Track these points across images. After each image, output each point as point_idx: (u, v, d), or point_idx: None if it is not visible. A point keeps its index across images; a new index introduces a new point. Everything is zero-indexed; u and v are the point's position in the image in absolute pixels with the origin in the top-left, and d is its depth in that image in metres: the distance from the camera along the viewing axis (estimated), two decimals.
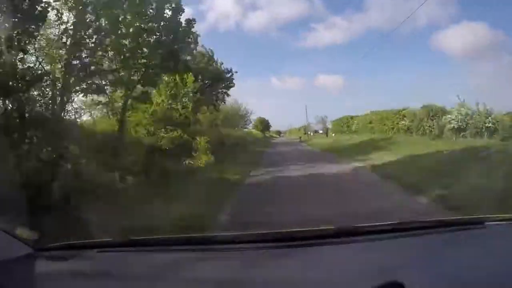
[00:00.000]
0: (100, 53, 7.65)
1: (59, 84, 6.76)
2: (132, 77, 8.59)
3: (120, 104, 8.91)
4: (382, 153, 12.19)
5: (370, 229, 1.32)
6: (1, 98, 5.06)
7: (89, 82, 7.76)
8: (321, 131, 41.99)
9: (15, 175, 4.06)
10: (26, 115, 5.26)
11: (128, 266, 1.24)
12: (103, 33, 7.42)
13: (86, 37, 7.20)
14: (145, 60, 8.30)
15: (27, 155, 4.78)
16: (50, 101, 6.46)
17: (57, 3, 6.62)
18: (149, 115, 10.05)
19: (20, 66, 5.51)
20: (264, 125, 50.43)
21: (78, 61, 7.34)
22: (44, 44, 7.13)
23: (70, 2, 6.88)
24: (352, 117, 30.22)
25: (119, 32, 7.69)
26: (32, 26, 5.66)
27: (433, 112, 17.51)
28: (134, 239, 1.43)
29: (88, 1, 7.11)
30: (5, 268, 1.14)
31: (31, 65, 6.33)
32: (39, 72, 6.34)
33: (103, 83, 8.63)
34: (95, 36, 7.33)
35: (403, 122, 19.84)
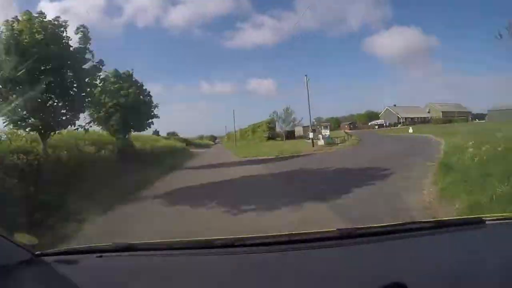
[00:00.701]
0: None
1: None
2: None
3: None
4: None
5: (371, 231, 1.32)
6: None
7: None
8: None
9: None
10: None
11: (127, 271, 1.23)
12: None
13: None
14: None
15: None
16: None
17: None
18: None
19: None
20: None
21: None
22: None
23: None
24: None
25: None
26: None
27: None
28: (134, 244, 1.42)
29: None
30: (5, 274, 1.14)
31: None
32: None
33: None
34: None
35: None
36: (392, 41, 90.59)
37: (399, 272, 1.00)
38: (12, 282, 1.11)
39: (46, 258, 1.33)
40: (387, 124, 73.99)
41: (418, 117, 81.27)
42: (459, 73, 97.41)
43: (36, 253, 1.33)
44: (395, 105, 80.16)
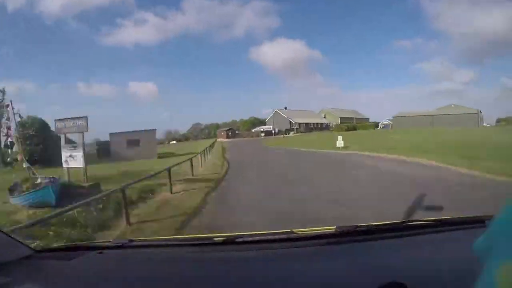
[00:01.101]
0: None
1: None
2: None
3: None
4: None
5: (370, 229, 1.32)
6: None
7: None
8: None
9: None
10: None
11: (128, 267, 1.24)
12: None
13: None
14: None
15: None
16: None
17: None
18: None
19: None
20: None
21: None
22: None
23: None
24: None
25: None
26: None
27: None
28: (134, 241, 1.44)
29: None
30: (6, 270, 1.15)
31: None
32: None
33: None
34: None
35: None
36: (278, 52, 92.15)
37: (398, 271, 1.00)
38: (12, 279, 1.12)
39: (46, 255, 1.36)
40: (276, 131, 58.60)
41: (314, 123, 71.58)
42: (340, 86, 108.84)
43: (37, 249, 1.36)
44: (285, 108, 67.01)
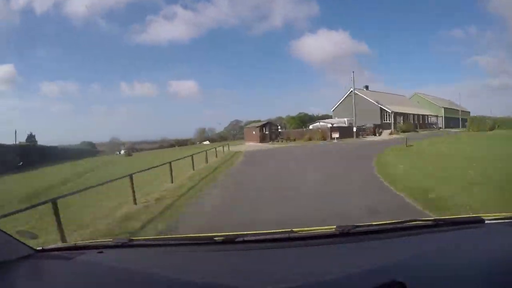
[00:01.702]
0: None
1: None
2: None
3: None
4: None
5: (370, 229, 1.31)
6: None
7: None
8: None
9: None
10: None
11: (128, 266, 1.23)
12: None
13: None
14: None
15: None
16: None
17: None
18: None
19: None
20: None
21: None
22: None
23: None
24: None
25: None
26: None
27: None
28: (134, 240, 1.44)
29: None
30: (6, 269, 1.15)
31: None
32: None
33: None
34: None
35: None
36: (319, 44, 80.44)
37: (397, 270, 0.99)
38: (13, 278, 1.12)
39: (47, 254, 1.35)
40: (354, 127, 26.48)
41: (413, 114, 45.40)
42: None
43: (37, 248, 1.36)
44: (366, 88, 38.06)
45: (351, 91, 38.74)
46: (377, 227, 1.31)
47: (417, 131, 37.57)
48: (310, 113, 56.73)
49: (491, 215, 1.38)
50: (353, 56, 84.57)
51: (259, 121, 38.87)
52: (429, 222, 1.38)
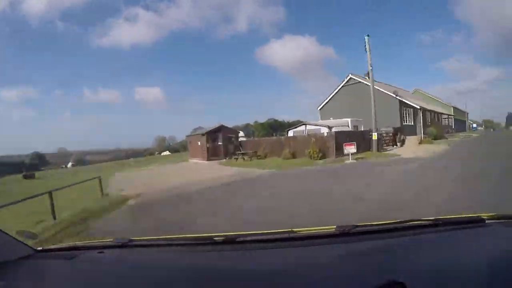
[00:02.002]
0: None
1: None
2: None
3: None
4: None
5: (370, 229, 1.31)
6: None
7: None
8: None
9: None
10: None
11: (128, 266, 1.23)
12: None
13: None
14: None
15: None
16: None
17: None
18: None
19: None
20: None
21: None
22: None
23: None
24: None
25: None
26: None
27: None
28: (134, 240, 1.42)
29: None
30: (6, 269, 1.14)
31: None
32: None
33: None
34: None
35: None
36: (284, 50, 75.79)
37: (398, 270, 0.99)
38: (13, 278, 1.11)
39: (47, 254, 1.35)
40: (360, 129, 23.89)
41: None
42: None
43: (38, 248, 1.36)
44: (366, 76, 19.76)
45: (350, 78, 25.29)
46: (377, 227, 1.31)
47: (446, 137, 25.15)
48: (280, 119, 51.91)
49: (492, 215, 1.37)
50: (320, 62, 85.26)
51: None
52: (429, 222, 1.37)
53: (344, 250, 1.19)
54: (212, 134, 22.04)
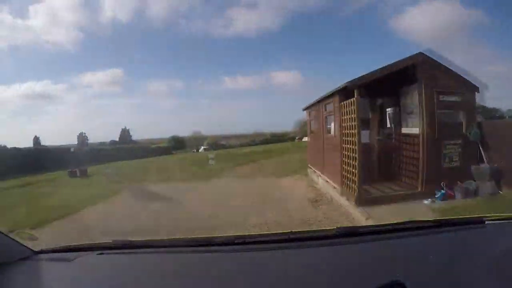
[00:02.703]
0: None
1: None
2: None
3: None
4: None
5: (370, 230, 1.33)
6: None
7: None
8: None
9: None
10: None
11: (128, 268, 1.24)
12: None
13: None
14: None
15: None
16: None
17: None
18: None
19: None
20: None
21: None
22: None
23: None
24: None
25: None
26: None
27: None
28: (133, 241, 1.42)
29: None
30: (5, 271, 1.15)
31: None
32: None
33: None
34: None
35: None
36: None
37: (397, 271, 0.99)
38: (13, 279, 1.12)
39: (46, 256, 1.34)
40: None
41: None
42: None
43: (36, 250, 1.35)
44: None
45: None
46: (376, 228, 1.33)
47: None
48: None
49: (491, 215, 1.38)
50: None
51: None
52: (429, 223, 1.38)
53: (344, 251, 1.20)
54: None
